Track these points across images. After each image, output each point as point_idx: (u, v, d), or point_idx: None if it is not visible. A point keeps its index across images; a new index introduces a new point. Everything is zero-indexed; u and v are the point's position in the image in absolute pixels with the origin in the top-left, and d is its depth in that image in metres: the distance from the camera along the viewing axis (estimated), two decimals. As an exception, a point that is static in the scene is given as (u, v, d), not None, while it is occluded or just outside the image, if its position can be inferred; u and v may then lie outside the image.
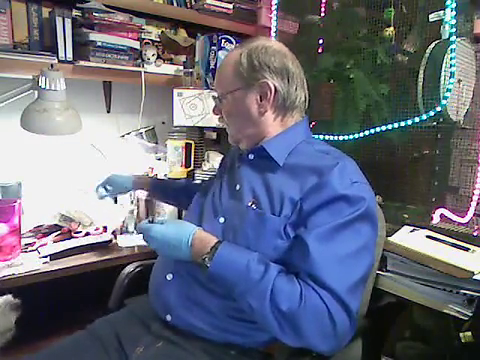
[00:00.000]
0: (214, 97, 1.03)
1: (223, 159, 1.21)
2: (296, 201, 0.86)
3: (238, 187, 0.97)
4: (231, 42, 1.85)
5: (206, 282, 0.88)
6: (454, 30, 1.18)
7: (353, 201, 0.83)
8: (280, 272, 0.80)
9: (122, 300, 1.16)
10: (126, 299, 1.17)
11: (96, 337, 0.96)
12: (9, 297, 1.04)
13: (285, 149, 0.96)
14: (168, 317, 0.92)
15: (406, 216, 1.34)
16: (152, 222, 0.92)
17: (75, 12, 1.55)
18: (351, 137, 1.42)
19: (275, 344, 0.89)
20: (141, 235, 0.92)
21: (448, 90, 1.20)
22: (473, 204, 1.29)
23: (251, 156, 1.00)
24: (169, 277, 0.94)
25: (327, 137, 1.49)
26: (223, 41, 1.82)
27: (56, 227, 1.43)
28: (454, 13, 1.18)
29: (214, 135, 1.80)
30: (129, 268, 1.20)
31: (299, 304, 0.75)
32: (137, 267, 1.20)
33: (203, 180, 1.61)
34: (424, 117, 1.25)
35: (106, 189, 1.35)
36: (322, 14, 1.67)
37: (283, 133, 0.99)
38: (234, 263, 0.81)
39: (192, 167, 1.74)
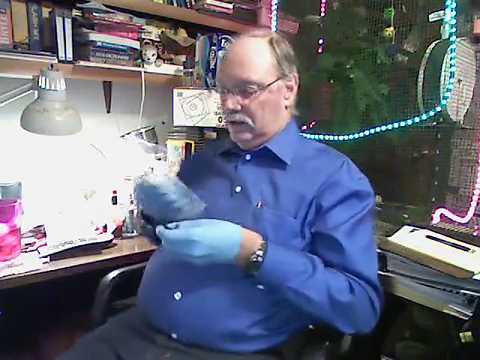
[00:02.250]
0: (246, 87, 0.91)
1: (188, 162, 1.16)
2: (310, 200, 0.89)
3: (239, 189, 0.95)
4: (231, 42, 1.85)
5: (221, 295, 0.85)
6: (454, 30, 1.18)
7: (363, 196, 0.91)
8: (322, 264, 0.85)
9: (107, 310, 1.10)
10: (115, 302, 1.13)
11: (90, 355, 0.89)
12: None
13: (289, 148, 0.97)
14: (174, 335, 0.88)
15: (406, 216, 1.34)
16: (166, 227, 0.80)
17: (75, 12, 1.55)
18: (351, 137, 1.42)
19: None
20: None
21: (448, 90, 1.20)
22: (473, 204, 1.29)
23: (248, 156, 0.99)
24: (177, 296, 0.88)
25: (327, 137, 1.49)
26: (223, 41, 1.82)
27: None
28: (454, 13, 1.18)
29: (214, 135, 1.80)
30: (111, 275, 1.14)
31: (352, 296, 0.82)
32: (120, 273, 1.15)
33: None
34: (424, 117, 1.25)
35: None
36: (322, 14, 1.66)
37: (284, 132, 1.00)
38: (286, 258, 0.83)
39: (192, 167, 1.74)
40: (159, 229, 0.79)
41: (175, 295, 0.88)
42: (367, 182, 0.94)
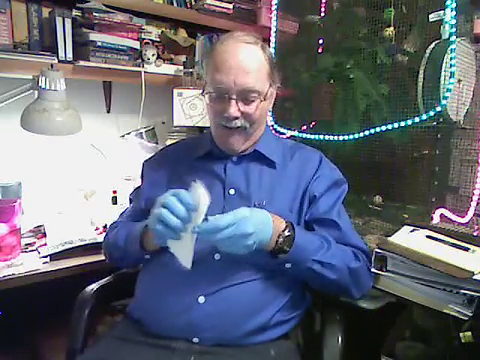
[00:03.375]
0: (249, 95, 0.93)
1: (154, 163, 1.15)
2: (302, 194, 0.99)
3: (233, 191, 0.98)
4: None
5: (243, 294, 0.88)
6: (454, 30, 1.18)
7: (339, 183, 1.05)
8: (332, 239, 0.95)
9: (91, 328, 1.05)
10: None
11: None
12: None
13: (273, 148, 1.03)
14: (195, 339, 0.87)
15: (406, 216, 1.34)
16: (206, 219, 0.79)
17: (75, 12, 1.55)
18: (351, 137, 1.42)
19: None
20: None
21: (448, 90, 1.19)
22: (473, 204, 1.29)
23: (235, 158, 1.01)
24: (201, 300, 0.87)
25: (327, 137, 1.49)
26: (223, 41, 1.82)
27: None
28: (454, 13, 1.18)
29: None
30: (90, 288, 1.09)
31: (359, 262, 0.95)
32: (100, 286, 1.11)
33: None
34: (424, 117, 1.25)
35: None
36: (322, 14, 1.66)
37: (266, 133, 1.05)
38: (307, 235, 0.92)
39: (192, 167, 1.74)
40: (199, 226, 0.77)
41: (199, 299, 0.87)
42: (338, 171, 1.08)
